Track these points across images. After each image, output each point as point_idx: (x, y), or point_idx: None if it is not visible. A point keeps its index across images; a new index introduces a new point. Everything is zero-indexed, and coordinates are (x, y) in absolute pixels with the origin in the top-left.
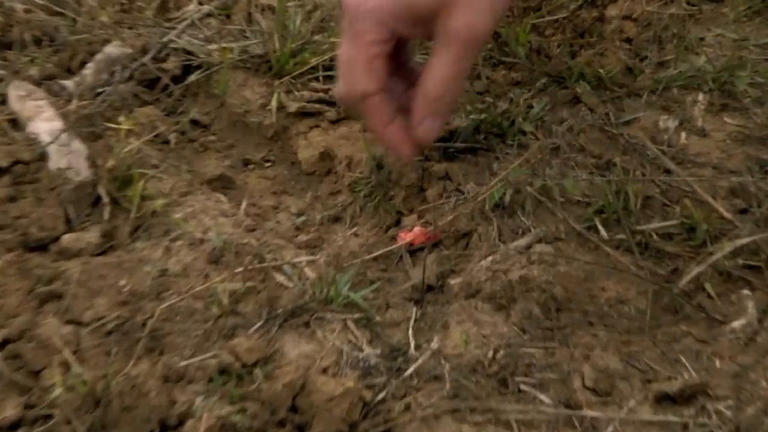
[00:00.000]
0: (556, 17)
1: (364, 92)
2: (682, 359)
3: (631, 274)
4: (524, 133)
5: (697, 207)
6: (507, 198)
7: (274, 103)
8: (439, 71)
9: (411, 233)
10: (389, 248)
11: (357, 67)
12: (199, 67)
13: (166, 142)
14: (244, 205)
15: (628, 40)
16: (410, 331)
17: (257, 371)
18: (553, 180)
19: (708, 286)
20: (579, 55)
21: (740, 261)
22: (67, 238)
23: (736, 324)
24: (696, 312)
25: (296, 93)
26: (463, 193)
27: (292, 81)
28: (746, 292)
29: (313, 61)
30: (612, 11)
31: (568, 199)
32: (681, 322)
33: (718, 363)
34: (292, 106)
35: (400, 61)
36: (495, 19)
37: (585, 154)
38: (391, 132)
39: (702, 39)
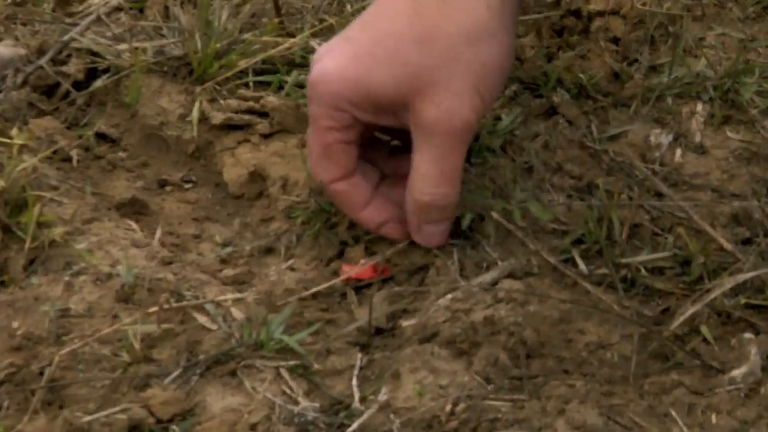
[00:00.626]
0: (532, 16)
1: (323, 182)
2: (673, 414)
3: (615, 315)
4: (491, 150)
5: (692, 237)
6: (470, 226)
7: (195, 114)
8: (425, 172)
9: (356, 267)
10: (331, 284)
11: (312, 154)
12: (106, 70)
13: (68, 159)
14: (159, 233)
15: (615, 40)
16: (354, 381)
17: (174, 428)
18: (528, 204)
19: (704, 329)
20: (556, 58)
21: (742, 300)
22: None
23: (736, 373)
24: (689, 359)
25: (222, 102)
26: None
27: (217, 87)
28: (748, 335)
29: (242, 64)
30: (596, 5)
31: (542, 227)
32: (672, 370)
33: (714, 418)
34: (217, 118)
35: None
36: (485, 102)
37: (562, 174)
38: (368, 216)
39: (702, 39)
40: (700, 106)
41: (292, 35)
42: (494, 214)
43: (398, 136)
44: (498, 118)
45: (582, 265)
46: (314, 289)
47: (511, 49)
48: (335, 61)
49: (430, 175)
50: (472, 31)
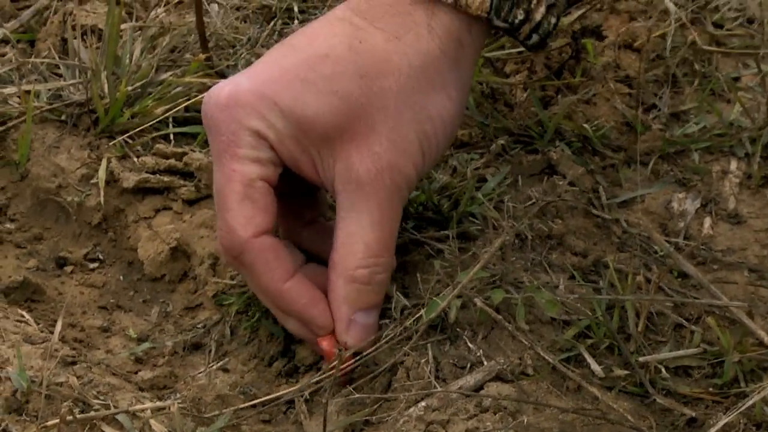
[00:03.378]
0: (520, 49)
1: (240, 238)
2: None
3: (629, 427)
4: (474, 217)
5: (725, 329)
6: (450, 316)
7: (101, 175)
8: (360, 239)
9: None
10: (281, 393)
11: (227, 201)
12: None
13: None
14: (59, 326)
15: (628, 81)
16: None
17: None
18: (521, 291)
19: None
20: (555, 103)
21: None
22: None
23: None
24: None
25: (135, 159)
26: (386, 309)
27: (129, 141)
28: None
29: (160, 112)
30: (606, 37)
31: (537, 316)
32: None
33: None
34: (129, 179)
35: (298, 210)
36: (425, 161)
37: (563, 250)
38: (295, 291)
39: (736, 79)
40: (734, 164)
41: (222, 75)
42: (477, 301)
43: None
44: (482, 180)
45: (594, 365)
46: (256, 400)
47: (461, 108)
48: (253, 80)
49: (366, 242)
50: (422, 76)
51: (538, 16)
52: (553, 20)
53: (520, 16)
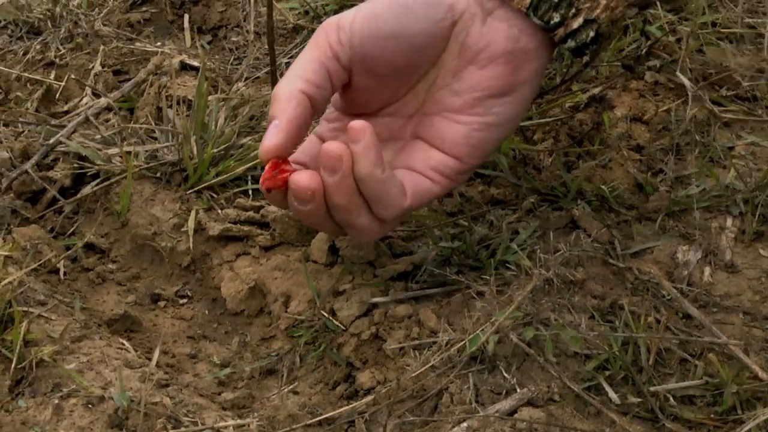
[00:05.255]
0: (547, 119)
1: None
2: None
3: None
4: (508, 265)
5: (724, 363)
6: (489, 349)
7: (190, 224)
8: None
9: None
10: (338, 411)
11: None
12: (95, 176)
13: (54, 271)
14: (156, 354)
15: (639, 149)
16: None
17: None
18: (549, 328)
19: None
20: (576, 168)
21: None
22: None
23: None
24: None
25: (219, 211)
26: (433, 342)
27: (214, 195)
28: None
29: (241, 170)
30: (618, 111)
31: (563, 350)
32: None
33: None
34: (214, 228)
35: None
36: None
37: (584, 293)
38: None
39: (731, 149)
40: (729, 221)
41: None
42: (513, 336)
43: None
44: (516, 233)
45: (612, 393)
46: (320, 416)
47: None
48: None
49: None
50: None
51: (574, 24)
52: (591, 34)
53: (556, 19)
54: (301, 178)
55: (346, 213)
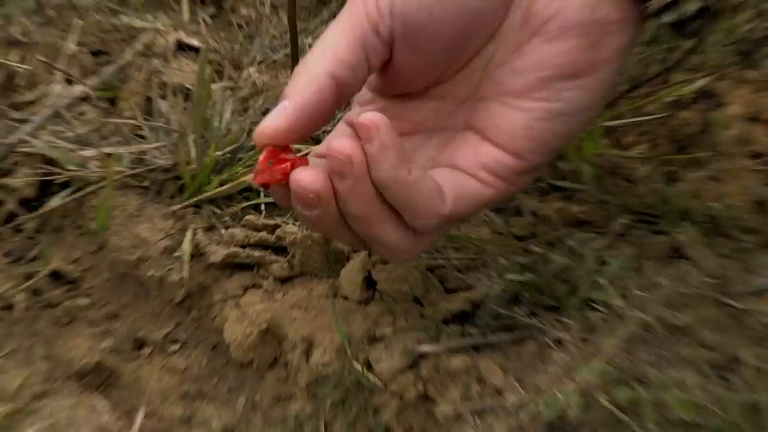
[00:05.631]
0: (641, 118)
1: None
2: None
3: None
4: (593, 305)
5: None
6: (571, 414)
7: (186, 248)
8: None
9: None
10: None
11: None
12: (66, 185)
13: (9, 306)
14: (140, 417)
15: (758, 156)
16: None
17: None
18: (649, 388)
19: None
20: (680, 180)
21: None
22: None
23: None
24: None
25: (222, 231)
26: (498, 405)
27: (217, 211)
28: None
29: (251, 179)
30: (731, 109)
31: (665, 416)
32: None
33: None
34: (216, 253)
35: None
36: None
37: (693, 342)
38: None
39: None
40: None
41: (317, 140)
42: (601, 398)
43: None
44: (603, 263)
45: None
46: None
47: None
48: None
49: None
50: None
51: None
52: (695, 6)
53: None
54: (303, 177)
55: (366, 225)
